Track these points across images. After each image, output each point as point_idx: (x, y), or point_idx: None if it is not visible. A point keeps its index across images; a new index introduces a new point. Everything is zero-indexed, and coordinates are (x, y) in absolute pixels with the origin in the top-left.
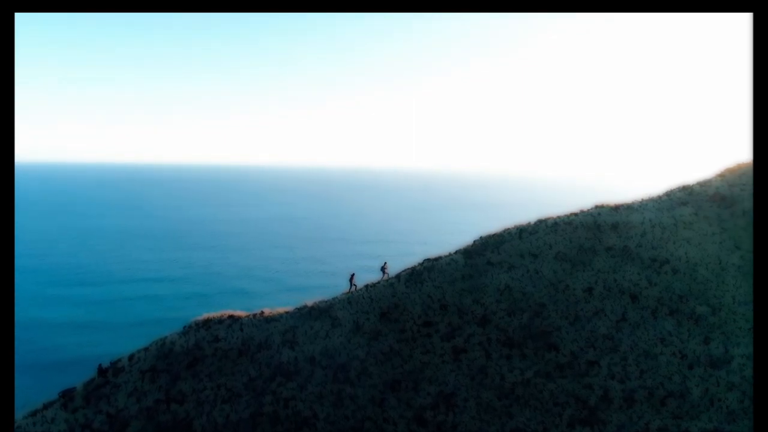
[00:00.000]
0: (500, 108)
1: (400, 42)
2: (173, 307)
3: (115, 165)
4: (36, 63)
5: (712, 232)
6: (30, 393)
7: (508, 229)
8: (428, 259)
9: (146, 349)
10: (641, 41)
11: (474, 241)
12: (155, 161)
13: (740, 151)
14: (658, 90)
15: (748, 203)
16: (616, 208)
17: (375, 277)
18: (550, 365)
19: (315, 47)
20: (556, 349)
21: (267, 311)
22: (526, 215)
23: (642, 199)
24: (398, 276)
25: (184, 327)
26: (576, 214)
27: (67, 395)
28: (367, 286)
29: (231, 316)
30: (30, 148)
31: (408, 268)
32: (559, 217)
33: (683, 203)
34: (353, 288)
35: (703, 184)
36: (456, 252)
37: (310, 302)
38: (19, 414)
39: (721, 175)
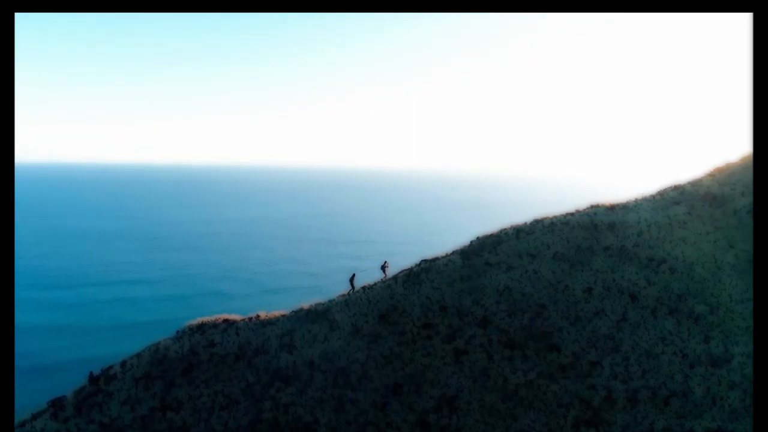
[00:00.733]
0: (489, 107)
1: (391, 40)
2: (151, 310)
3: (93, 165)
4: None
5: (706, 231)
6: None
7: (505, 229)
8: (425, 260)
9: (139, 356)
10: (639, 41)
11: (471, 242)
12: (135, 161)
13: (728, 150)
14: (649, 90)
15: (738, 202)
16: (612, 208)
17: (361, 278)
18: (553, 366)
19: (306, 46)
20: (558, 350)
21: (263, 314)
22: (512, 214)
23: (636, 199)
24: (395, 277)
25: (178, 332)
26: (572, 214)
27: (56, 404)
28: (364, 287)
29: (226, 320)
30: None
31: (405, 270)
32: (555, 217)
33: (676, 203)
34: (353, 289)
35: (695, 184)
36: (453, 253)
37: (306, 305)
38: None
39: (711, 175)
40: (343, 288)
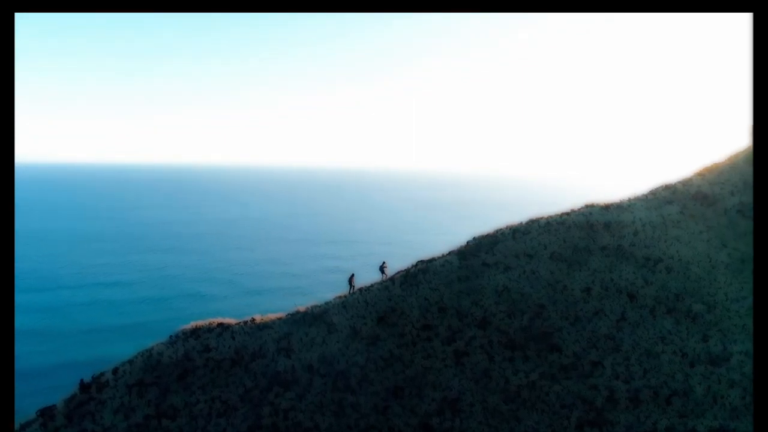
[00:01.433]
0: (484, 107)
1: (390, 40)
2: (127, 313)
3: (69, 165)
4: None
5: (699, 231)
6: None
7: (501, 229)
8: (422, 261)
9: (131, 362)
10: (639, 41)
11: (467, 242)
12: (120, 161)
13: (715, 150)
14: (645, 91)
15: (728, 201)
16: (607, 208)
17: (339, 277)
18: (554, 367)
19: (304, 44)
20: (559, 351)
21: (258, 318)
22: (494, 214)
23: (629, 198)
24: (392, 279)
25: (171, 336)
26: (567, 214)
27: (46, 414)
28: (361, 289)
29: (220, 324)
30: None
31: (402, 271)
32: (550, 216)
33: (668, 202)
34: (353, 289)
35: (685, 183)
36: (449, 253)
37: (302, 307)
38: None
39: (701, 174)
40: (326, 288)
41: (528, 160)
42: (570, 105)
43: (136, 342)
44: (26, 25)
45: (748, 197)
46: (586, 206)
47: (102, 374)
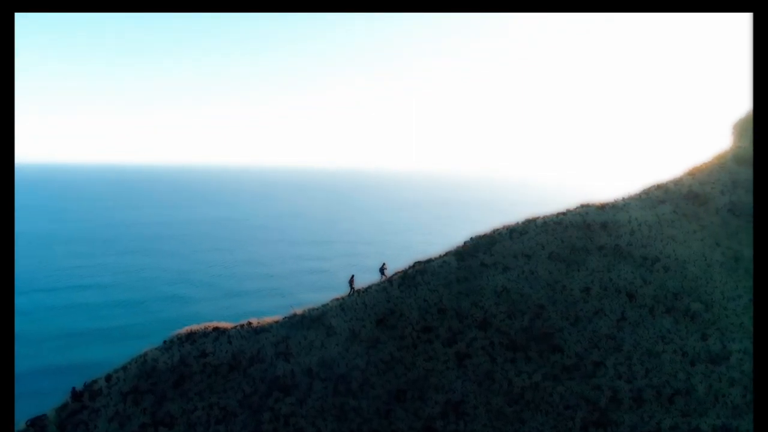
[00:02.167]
0: (472, 108)
1: (390, 39)
2: (102, 317)
3: (58, 166)
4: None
5: (693, 230)
6: None
7: (498, 229)
8: (419, 262)
9: (125, 368)
10: (639, 41)
11: (465, 242)
12: (107, 162)
13: (701, 149)
14: (642, 92)
15: (719, 201)
16: (602, 207)
17: (322, 279)
18: (557, 367)
19: (304, 42)
20: (561, 351)
21: (255, 321)
22: (475, 213)
23: (623, 198)
24: (390, 280)
25: (165, 342)
26: (564, 214)
27: (37, 424)
28: (358, 291)
29: (216, 328)
30: None
31: (399, 272)
32: (546, 216)
33: (662, 201)
34: (353, 290)
35: (677, 183)
36: (447, 254)
37: (299, 310)
38: None
39: (691, 174)
40: (306, 289)
41: (518, 161)
42: (564, 105)
43: (113, 346)
44: (26, 25)
45: (738, 196)
46: (582, 206)
47: (94, 382)
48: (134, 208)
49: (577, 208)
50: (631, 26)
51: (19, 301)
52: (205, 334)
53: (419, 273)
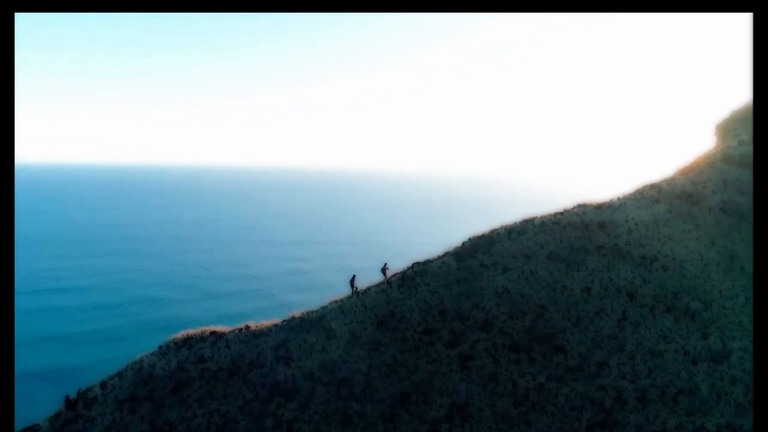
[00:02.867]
0: (471, 108)
1: (376, 38)
2: (79, 320)
3: (35, 166)
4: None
5: (688, 229)
6: None
7: (496, 229)
8: (418, 263)
9: (121, 375)
10: (639, 41)
11: (463, 243)
12: (85, 161)
13: (687, 148)
14: (640, 92)
15: (711, 200)
16: (599, 207)
17: (301, 279)
18: (561, 368)
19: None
20: (564, 352)
21: (253, 325)
22: (457, 212)
23: (619, 197)
24: (389, 281)
25: (161, 347)
26: (561, 214)
27: None
28: (357, 293)
29: (213, 332)
30: None
31: (398, 273)
32: (544, 216)
33: (656, 201)
34: (354, 291)
35: (670, 182)
36: (446, 254)
37: (297, 313)
38: None
39: (683, 173)
40: (287, 290)
41: (518, 161)
42: (564, 105)
43: (91, 350)
44: (26, 25)
45: (729, 196)
46: (579, 206)
47: (89, 389)
48: (116, 209)
49: (574, 207)
50: (631, 26)
51: None
52: (202, 338)
53: (418, 274)
